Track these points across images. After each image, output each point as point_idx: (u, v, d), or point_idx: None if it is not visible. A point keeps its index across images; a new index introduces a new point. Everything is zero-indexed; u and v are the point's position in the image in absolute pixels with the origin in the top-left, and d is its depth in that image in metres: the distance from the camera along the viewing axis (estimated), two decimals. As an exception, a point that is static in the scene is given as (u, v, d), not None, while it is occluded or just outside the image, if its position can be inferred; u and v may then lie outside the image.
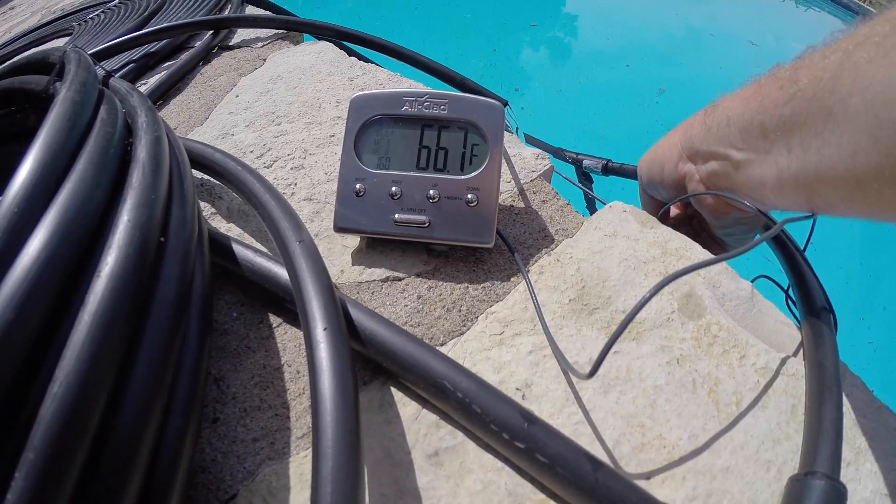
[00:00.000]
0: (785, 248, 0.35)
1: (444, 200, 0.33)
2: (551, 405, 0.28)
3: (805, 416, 0.28)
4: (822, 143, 0.25)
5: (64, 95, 0.31)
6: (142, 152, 0.30)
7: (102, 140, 0.29)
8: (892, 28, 0.22)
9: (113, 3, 1.24)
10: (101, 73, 0.43)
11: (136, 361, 0.23)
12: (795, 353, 0.31)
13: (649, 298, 0.24)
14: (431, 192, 0.33)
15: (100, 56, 0.73)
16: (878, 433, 0.28)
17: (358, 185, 0.34)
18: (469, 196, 0.33)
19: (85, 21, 1.18)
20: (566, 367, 0.28)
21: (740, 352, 0.30)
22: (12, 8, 2.38)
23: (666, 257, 0.35)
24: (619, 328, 0.24)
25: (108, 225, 0.25)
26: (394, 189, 0.34)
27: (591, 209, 0.49)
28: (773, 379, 0.29)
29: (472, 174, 0.34)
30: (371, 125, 0.35)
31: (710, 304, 0.33)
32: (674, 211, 0.45)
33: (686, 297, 0.33)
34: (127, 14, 1.06)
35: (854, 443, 0.27)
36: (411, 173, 0.34)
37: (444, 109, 0.34)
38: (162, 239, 0.28)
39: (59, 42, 1.19)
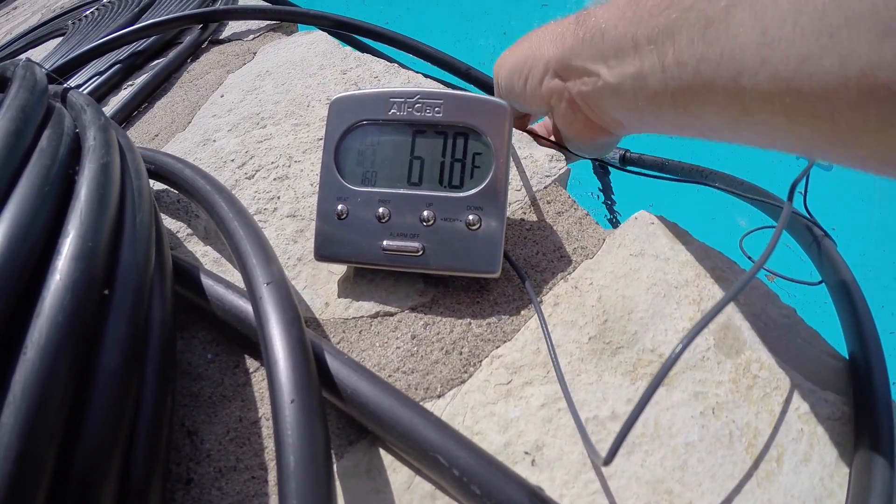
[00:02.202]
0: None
1: (440, 223, 0.28)
2: (566, 472, 0.24)
3: (853, 473, 0.24)
4: (698, 59, 0.22)
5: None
6: (82, 187, 0.26)
7: (37, 178, 0.25)
8: None
9: (108, -2, 1.20)
10: (58, 88, 0.39)
11: (80, 435, 0.19)
12: (841, 392, 0.27)
13: (676, 359, 0.20)
14: (425, 213, 0.28)
15: (83, 58, 0.69)
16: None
17: (340, 207, 0.29)
18: (470, 217, 0.28)
19: (79, 19, 1.15)
20: (584, 441, 0.23)
21: (783, 394, 0.26)
22: (15, 8, 2.37)
23: (700, 280, 0.30)
24: (643, 399, 0.19)
25: (41, 280, 0.21)
26: (381, 210, 0.29)
27: (610, 209, 0.44)
28: (817, 426, 0.25)
29: (474, 190, 0.28)
30: (354, 133, 0.30)
31: (749, 337, 0.28)
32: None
33: (723, 329, 0.28)
34: (120, 10, 1.02)
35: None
36: (401, 190, 0.29)
37: (438, 112, 0.29)
38: (106, 292, 0.23)
39: (58, 42, 1.16)
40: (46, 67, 0.84)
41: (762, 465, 0.24)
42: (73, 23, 1.15)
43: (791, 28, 0.18)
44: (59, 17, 1.38)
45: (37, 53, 1.17)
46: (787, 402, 0.26)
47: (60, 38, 1.13)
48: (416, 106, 0.29)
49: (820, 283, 0.33)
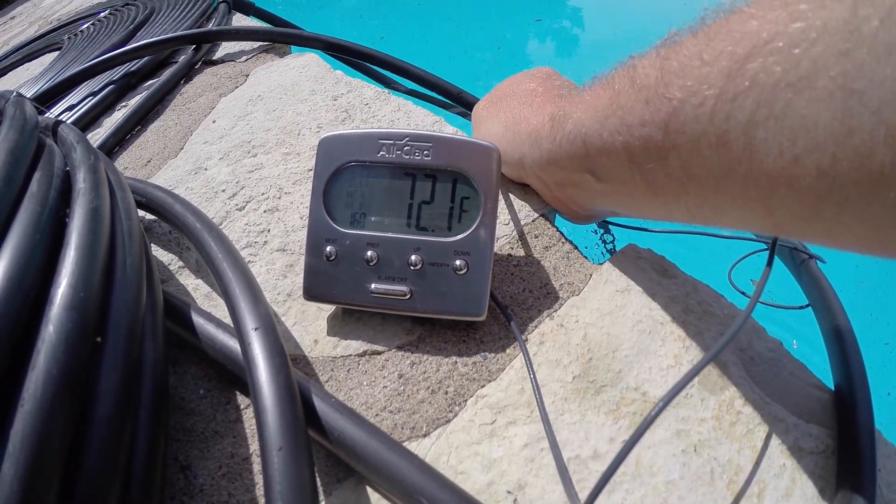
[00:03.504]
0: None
1: (427, 267, 0.29)
2: (548, 512, 0.24)
3: None
4: (709, 176, 0.20)
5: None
6: (73, 234, 0.26)
7: (28, 226, 0.25)
8: (797, 31, 0.16)
9: (103, 13, 1.21)
10: (50, 121, 0.40)
11: (78, 480, 0.20)
12: (826, 424, 0.27)
13: (655, 417, 0.20)
14: (413, 257, 0.29)
15: (77, 78, 0.69)
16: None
17: (329, 248, 0.30)
18: (457, 262, 0.28)
19: (75, 34, 1.15)
20: (563, 483, 0.24)
21: (766, 430, 0.26)
22: (12, 18, 2.37)
23: (687, 316, 0.31)
24: (623, 451, 0.20)
25: (34, 329, 0.22)
26: (369, 254, 0.29)
27: (605, 240, 0.44)
28: (800, 460, 0.25)
29: (461, 235, 0.29)
30: (343, 173, 0.30)
31: (735, 373, 0.28)
32: None
33: (708, 366, 0.28)
34: (115, 26, 1.02)
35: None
36: (389, 234, 0.29)
37: (427, 155, 0.30)
38: (98, 339, 0.24)
39: (53, 56, 1.16)
40: (43, 85, 0.85)
41: (742, 502, 0.24)
42: (70, 37, 1.15)
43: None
44: (56, 30, 1.38)
45: (33, 67, 1.17)
46: (770, 437, 0.26)
47: (57, 53, 1.13)
48: (406, 148, 0.30)
49: (807, 306, 0.34)
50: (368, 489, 0.26)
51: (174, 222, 0.35)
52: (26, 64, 1.22)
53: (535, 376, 0.28)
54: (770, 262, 0.27)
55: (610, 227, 0.41)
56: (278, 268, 0.36)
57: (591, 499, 0.21)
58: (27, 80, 1.04)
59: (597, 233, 0.44)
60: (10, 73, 1.21)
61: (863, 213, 0.16)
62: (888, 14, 0.14)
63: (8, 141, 0.30)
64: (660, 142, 0.21)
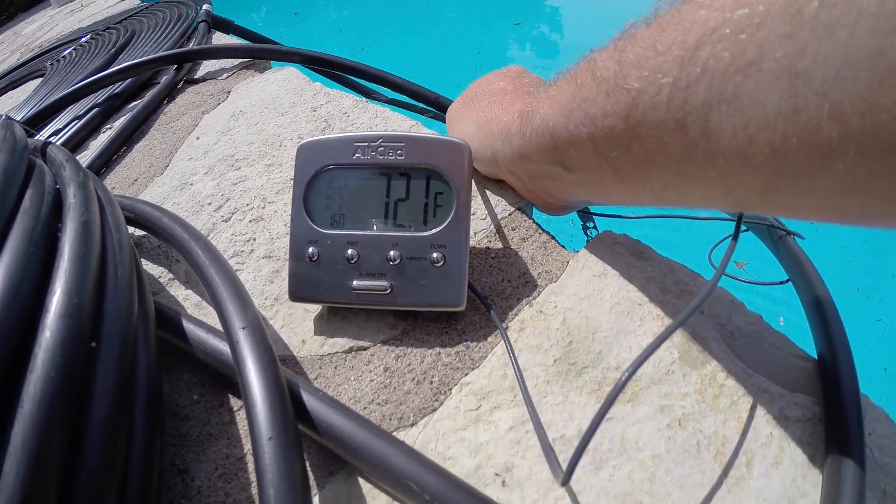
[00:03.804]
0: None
1: (406, 262, 0.30)
2: (535, 490, 0.25)
3: (825, 472, 0.24)
4: (670, 160, 0.21)
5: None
6: (65, 246, 0.27)
7: (22, 239, 0.26)
8: (742, 17, 0.17)
9: (84, 38, 1.22)
10: (38, 142, 0.40)
11: (76, 480, 0.21)
12: (812, 392, 0.27)
13: (626, 381, 0.21)
14: (391, 252, 0.30)
15: (62, 103, 0.70)
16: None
17: (311, 249, 0.31)
18: (434, 255, 0.29)
19: (57, 60, 1.16)
20: (548, 461, 0.25)
21: (750, 401, 0.27)
22: (-6, 46, 2.37)
23: (664, 295, 0.32)
24: (594, 422, 0.21)
25: (30, 336, 0.23)
26: (350, 252, 0.30)
27: (586, 228, 0.46)
28: (787, 428, 0.26)
29: (437, 230, 0.30)
30: (321, 177, 0.32)
31: (715, 347, 0.29)
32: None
33: (688, 341, 0.29)
34: (96, 51, 1.03)
35: (879, 486, 0.24)
36: (368, 232, 0.30)
37: (401, 155, 0.31)
38: (93, 344, 0.25)
39: (37, 83, 1.17)
40: (28, 111, 0.86)
41: (731, 472, 0.25)
42: (52, 63, 1.16)
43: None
44: (38, 57, 1.39)
45: (16, 95, 1.18)
46: (755, 407, 0.26)
47: (40, 80, 1.14)
48: (380, 149, 0.31)
49: (787, 281, 0.34)
50: (360, 480, 0.27)
51: (162, 235, 0.36)
52: (10, 92, 1.23)
53: (516, 361, 0.29)
54: (735, 237, 0.28)
55: (592, 216, 0.43)
56: (265, 274, 0.37)
57: (570, 469, 0.22)
58: (11, 107, 1.05)
59: (575, 224, 0.45)
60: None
61: (816, 185, 0.17)
62: None
63: (0, 161, 0.31)
64: (622, 131, 0.22)
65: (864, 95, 0.14)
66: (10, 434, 0.19)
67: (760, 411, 0.26)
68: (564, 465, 0.24)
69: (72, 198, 0.31)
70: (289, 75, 0.60)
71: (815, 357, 0.29)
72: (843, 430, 0.25)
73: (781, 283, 0.35)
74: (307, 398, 0.27)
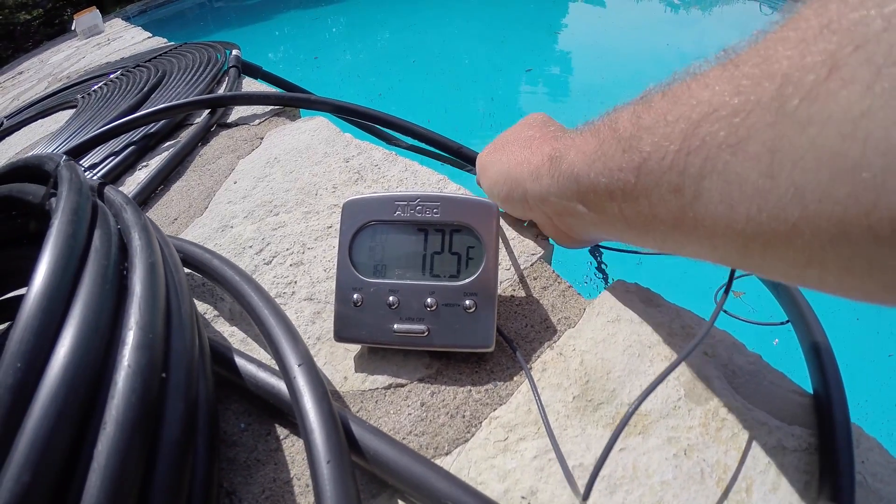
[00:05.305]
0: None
1: (442, 308, 0.33)
2: (558, 513, 0.28)
3: (819, 498, 0.27)
4: (668, 216, 0.24)
5: (57, 228, 0.31)
6: (137, 284, 0.30)
7: (98, 276, 0.29)
8: (737, 104, 0.20)
9: (114, 74, 1.28)
10: (95, 182, 0.44)
11: (150, 496, 0.23)
12: (808, 424, 0.30)
13: (632, 414, 0.25)
14: (429, 300, 0.34)
15: (99, 139, 0.74)
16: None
17: (356, 296, 0.34)
18: (467, 302, 0.33)
19: (88, 94, 1.21)
20: (569, 484, 0.28)
21: (750, 433, 0.30)
22: (20, 73, 2.44)
23: (672, 338, 0.35)
24: (607, 446, 0.24)
25: (109, 368, 0.26)
26: (391, 299, 0.34)
27: (601, 269, 0.49)
28: (784, 457, 0.29)
29: (469, 279, 0.34)
30: (364, 231, 0.36)
31: (718, 385, 0.32)
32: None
33: (693, 380, 0.33)
34: (128, 88, 1.09)
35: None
36: (408, 281, 0.34)
37: (437, 213, 0.35)
38: (164, 375, 0.28)
39: (67, 113, 1.22)
40: (61, 143, 0.90)
41: (732, 496, 0.27)
42: (83, 97, 1.21)
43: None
44: (67, 88, 1.45)
45: (47, 124, 1.22)
46: (754, 438, 0.29)
47: (71, 111, 1.18)
48: (418, 208, 0.35)
49: (786, 322, 0.37)
50: (400, 502, 0.30)
51: (212, 276, 0.39)
52: (41, 120, 1.28)
53: (539, 398, 0.32)
54: (728, 288, 0.31)
55: (602, 250, 0.46)
56: (307, 315, 0.41)
57: (589, 486, 0.25)
58: (43, 136, 1.09)
59: (592, 264, 0.49)
60: (24, 128, 1.27)
61: (780, 253, 0.20)
62: (807, 94, 0.18)
63: (70, 202, 0.34)
64: (632, 186, 0.25)
65: (823, 186, 0.17)
66: (92, 451, 0.22)
67: (759, 442, 0.29)
68: (582, 490, 0.28)
69: (137, 241, 0.35)
70: (319, 125, 0.65)
71: (811, 392, 0.32)
72: (836, 459, 0.27)
73: (781, 323, 0.37)
74: (355, 428, 0.30)
